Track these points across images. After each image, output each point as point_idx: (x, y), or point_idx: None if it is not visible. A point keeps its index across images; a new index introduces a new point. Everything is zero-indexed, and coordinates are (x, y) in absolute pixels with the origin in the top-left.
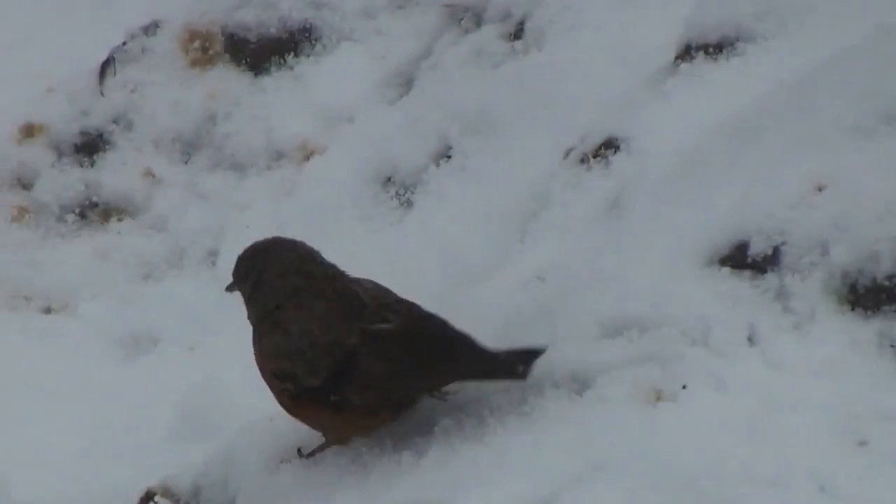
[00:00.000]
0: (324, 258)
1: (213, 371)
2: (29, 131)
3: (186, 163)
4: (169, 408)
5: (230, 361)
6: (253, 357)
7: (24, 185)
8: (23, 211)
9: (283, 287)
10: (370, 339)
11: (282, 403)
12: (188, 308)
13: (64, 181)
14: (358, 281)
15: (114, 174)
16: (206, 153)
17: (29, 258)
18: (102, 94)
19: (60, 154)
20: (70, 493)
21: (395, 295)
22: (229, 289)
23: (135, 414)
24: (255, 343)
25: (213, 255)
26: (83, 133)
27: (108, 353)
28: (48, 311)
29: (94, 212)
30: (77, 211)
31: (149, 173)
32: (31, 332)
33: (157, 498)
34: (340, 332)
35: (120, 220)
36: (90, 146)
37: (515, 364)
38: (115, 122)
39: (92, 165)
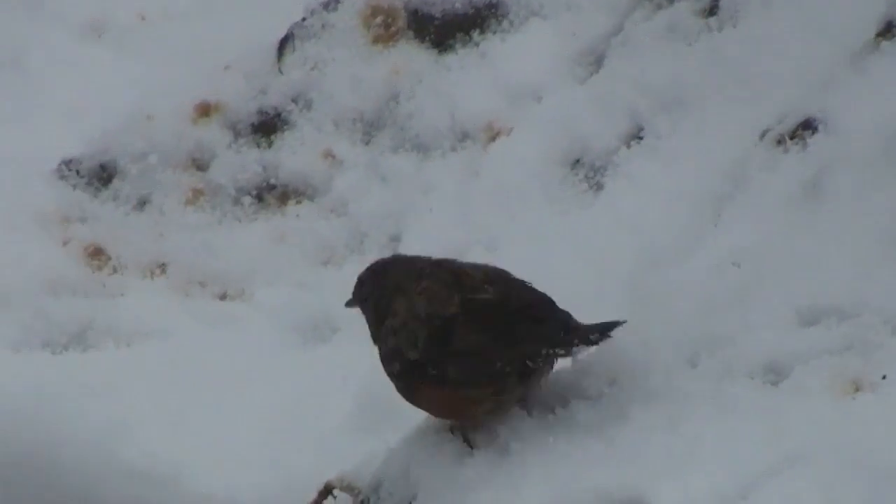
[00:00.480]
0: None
1: None
2: (204, 110)
3: (368, 143)
4: (347, 397)
5: None
6: None
7: (200, 166)
8: (198, 193)
9: (391, 288)
10: (468, 309)
11: (398, 389)
12: None
13: (240, 162)
14: (472, 264)
15: (292, 155)
16: (388, 133)
17: (204, 242)
18: (281, 71)
19: (237, 134)
20: (245, 484)
21: (503, 271)
22: (348, 304)
23: (312, 404)
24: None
25: (395, 239)
26: (261, 112)
27: (285, 341)
28: (223, 297)
29: (272, 194)
30: (254, 193)
31: (329, 154)
32: (206, 318)
33: (335, 492)
34: (440, 304)
35: (298, 202)
36: (268, 126)
37: (592, 332)
38: (294, 100)
39: (269, 146)
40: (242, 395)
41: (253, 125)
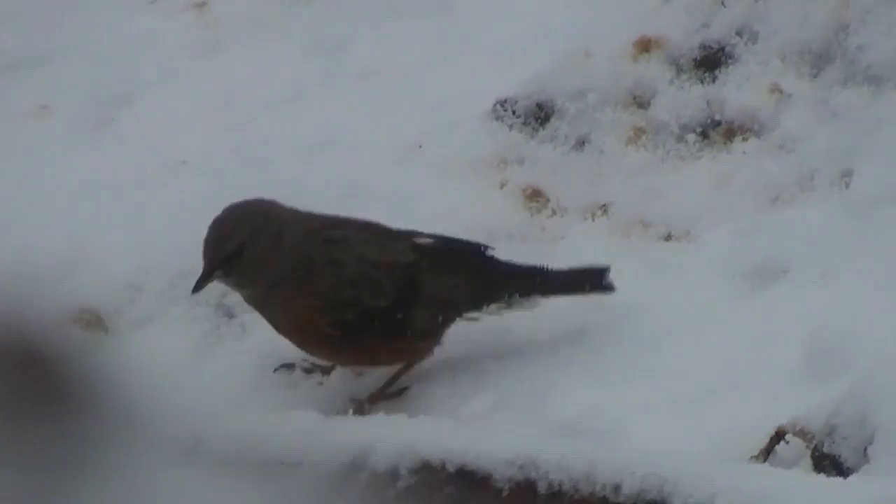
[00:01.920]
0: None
1: (846, 302)
2: (644, 46)
3: (815, 77)
4: (797, 342)
5: (865, 291)
6: None
7: (640, 103)
8: (639, 132)
9: (312, 241)
10: (425, 254)
11: (327, 342)
12: (818, 234)
13: (683, 98)
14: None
15: (737, 90)
16: (837, 66)
17: (646, 182)
18: (723, 4)
19: (679, 70)
20: (688, 435)
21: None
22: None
23: (759, 350)
24: (285, 300)
25: (846, 175)
26: (703, 47)
27: (731, 285)
28: (668, 238)
29: (716, 131)
30: (698, 131)
31: (775, 89)
32: (649, 261)
33: (788, 437)
34: (395, 251)
35: (745, 139)
36: (711, 60)
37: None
38: (738, 34)
39: (713, 81)
40: (689, 342)
41: (695, 60)
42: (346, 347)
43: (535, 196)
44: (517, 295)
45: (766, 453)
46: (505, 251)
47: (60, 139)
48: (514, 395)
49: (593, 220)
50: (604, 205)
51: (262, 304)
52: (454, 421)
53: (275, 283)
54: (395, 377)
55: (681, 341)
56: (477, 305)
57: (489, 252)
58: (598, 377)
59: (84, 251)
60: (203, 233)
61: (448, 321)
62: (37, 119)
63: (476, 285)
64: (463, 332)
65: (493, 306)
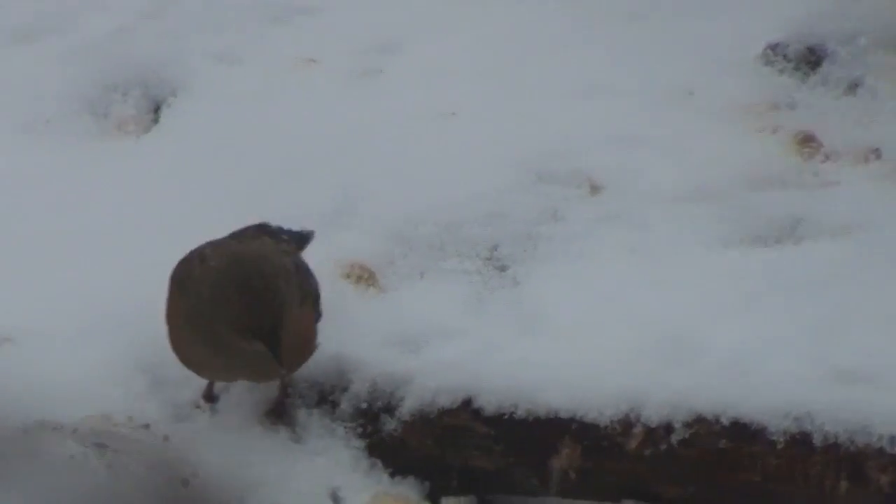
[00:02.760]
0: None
1: None
2: None
3: None
4: None
5: None
6: None
7: None
8: None
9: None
10: None
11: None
12: None
13: None
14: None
15: None
16: None
17: None
18: None
19: None
20: None
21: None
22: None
23: None
24: None
25: None
26: None
27: None
28: None
29: None
30: None
31: None
32: None
33: None
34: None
35: None
36: None
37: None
38: None
39: None
40: None
41: None
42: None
43: (807, 141)
44: None
45: None
46: (776, 198)
47: (329, 88)
48: (790, 341)
49: (866, 164)
50: (877, 149)
51: None
52: (726, 374)
53: None
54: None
55: None
56: None
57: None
58: (881, 321)
59: (354, 203)
60: (476, 184)
61: None
62: (306, 68)
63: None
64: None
65: None
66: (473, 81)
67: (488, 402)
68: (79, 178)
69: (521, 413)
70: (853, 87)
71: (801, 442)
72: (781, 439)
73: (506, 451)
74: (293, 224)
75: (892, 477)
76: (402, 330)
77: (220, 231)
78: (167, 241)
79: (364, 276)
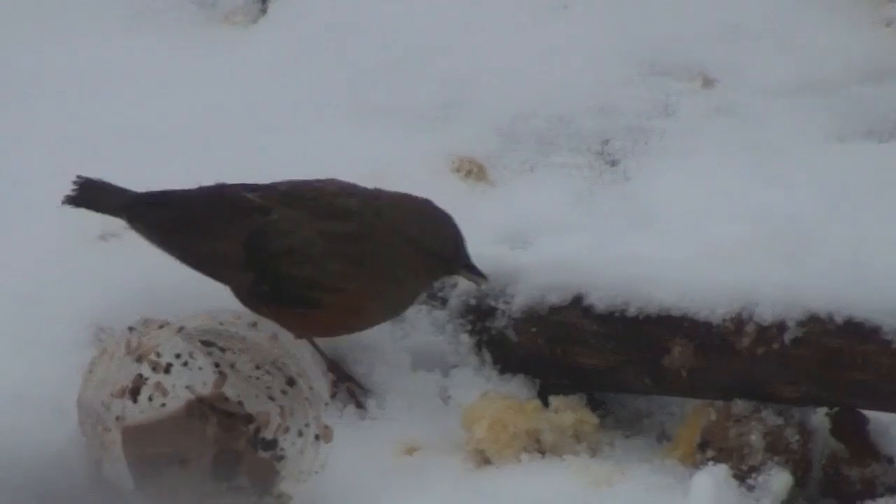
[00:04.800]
0: None
1: None
2: None
3: None
4: None
5: None
6: None
7: None
8: None
9: None
10: None
11: None
12: None
13: None
14: None
15: None
16: None
17: None
18: None
19: None
20: None
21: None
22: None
23: None
24: None
25: None
26: None
27: None
28: None
29: None
30: None
31: None
32: None
33: None
34: None
35: None
36: None
37: None
38: None
39: None
40: None
41: None
42: None
43: None
44: None
45: None
46: (893, 91)
47: None
48: None
49: None
50: None
51: None
52: (840, 272)
53: None
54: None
55: None
56: None
57: None
58: None
59: (462, 96)
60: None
61: None
62: None
63: None
64: None
65: None
66: None
67: (599, 299)
68: (184, 67)
69: (632, 311)
70: None
71: None
72: (895, 339)
73: (616, 349)
74: (403, 117)
75: None
76: (511, 225)
77: (323, 128)
78: (272, 133)
79: (473, 170)
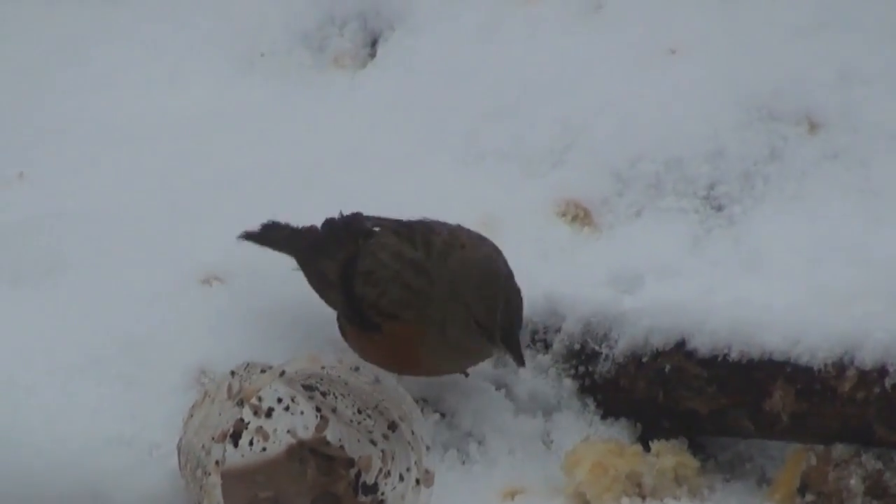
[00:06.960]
0: None
1: None
2: None
3: None
4: None
5: None
6: None
7: None
8: None
9: None
10: None
11: None
12: None
13: None
14: None
15: None
16: None
17: None
18: None
19: None
20: None
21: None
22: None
23: None
24: None
25: None
26: None
27: None
28: None
29: None
30: None
31: None
32: None
33: None
34: None
35: None
36: None
37: None
38: None
39: None
40: None
41: None
42: None
43: None
44: None
45: None
46: None
47: (552, 24)
48: None
49: None
50: None
51: None
52: None
53: None
54: None
55: None
56: None
57: None
58: None
59: (571, 140)
60: (695, 122)
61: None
62: (529, 4)
63: None
64: None
65: None
66: (695, 15)
67: (702, 343)
68: (295, 111)
69: (734, 355)
70: None
71: None
72: None
73: (719, 393)
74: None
75: None
76: (616, 269)
77: (433, 171)
78: (380, 180)
79: (580, 215)
